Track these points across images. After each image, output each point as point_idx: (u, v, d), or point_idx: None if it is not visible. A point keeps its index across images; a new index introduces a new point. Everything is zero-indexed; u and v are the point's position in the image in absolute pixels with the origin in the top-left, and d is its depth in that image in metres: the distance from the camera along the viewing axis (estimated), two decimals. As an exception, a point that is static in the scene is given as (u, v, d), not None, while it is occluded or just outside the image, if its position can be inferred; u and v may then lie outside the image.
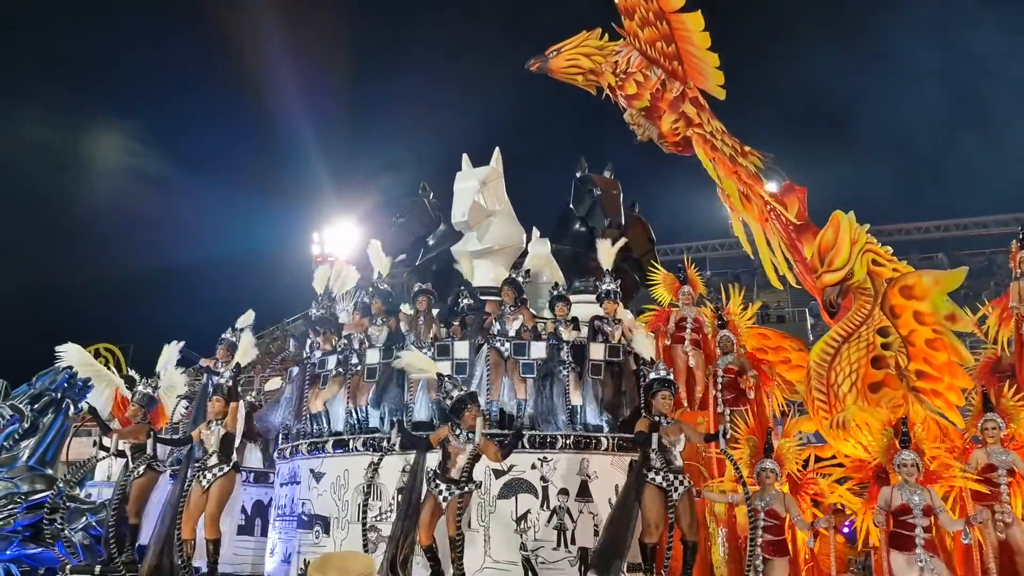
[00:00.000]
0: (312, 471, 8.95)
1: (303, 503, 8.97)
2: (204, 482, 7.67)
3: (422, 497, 7.35)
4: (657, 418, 7.36)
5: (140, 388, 9.14)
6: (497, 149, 11.10)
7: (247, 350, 9.27)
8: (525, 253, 11.22)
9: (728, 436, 7.29)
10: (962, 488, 7.33)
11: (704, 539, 8.17)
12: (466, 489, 7.16)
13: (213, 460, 7.73)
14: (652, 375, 7.63)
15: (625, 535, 7.31)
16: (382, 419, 8.84)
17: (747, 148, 11.07)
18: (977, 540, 7.19)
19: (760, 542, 7.29)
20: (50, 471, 10.82)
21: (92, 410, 9.41)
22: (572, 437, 8.25)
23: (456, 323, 9.04)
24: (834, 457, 8.17)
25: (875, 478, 7.49)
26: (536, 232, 12.26)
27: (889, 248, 8.61)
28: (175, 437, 8.56)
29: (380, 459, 7.79)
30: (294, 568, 8.87)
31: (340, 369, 9.18)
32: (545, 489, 8.08)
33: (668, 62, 11.11)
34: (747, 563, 7.33)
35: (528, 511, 8.00)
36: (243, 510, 10.12)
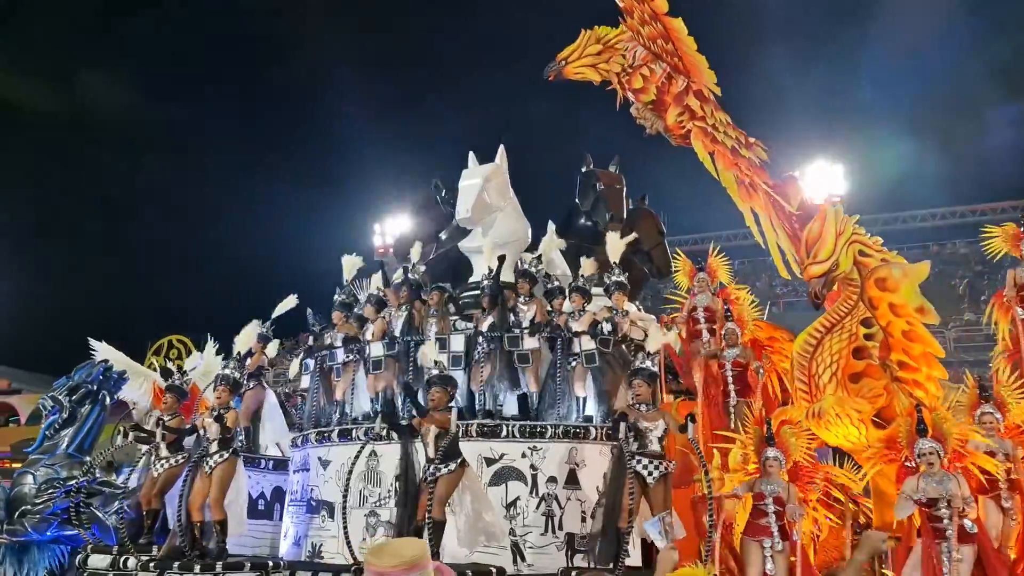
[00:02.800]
0: (320, 459, 9.40)
1: (312, 489, 9.44)
2: (207, 468, 8.13)
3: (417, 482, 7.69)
4: (636, 405, 7.60)
5: (173, 380, 9.61)
6: (501, 147, 11.36)
7: (246, 339, 9.65)
8: (532, 248, 11.45)
9: (695, 424, 7.46)
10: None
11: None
12: (442, 469, 7.34)
13: (214, 447, 8.18)
14: (635, 364, 7.88)
15: (615, 521, 7.55)
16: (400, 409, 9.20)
17: (751, 140, 11.16)
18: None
19: (776, 528, 7.28)
20: (88, 458, 11.47)
21: (136, 427, 9.78)
22: (561, 427, 8.53)
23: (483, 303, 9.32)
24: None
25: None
26: (552, 226, 12.49)
27: (879, 239, 8.64)
28: (183, 427, 9.03)
29: (363, 447, 8.15)
30: (303, 551, 9.35)
31: (351, 358, 9.60)
32: (535, 477, 8.37)
33: (670, 58, 11.29)
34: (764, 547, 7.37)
35: (518, 498, 8.30)
36: (263, 495, 10.68)
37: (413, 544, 2.99)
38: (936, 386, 7.69)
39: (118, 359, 12.76)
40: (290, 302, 11.16)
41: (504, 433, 8.47)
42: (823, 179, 39.09)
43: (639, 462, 7.34)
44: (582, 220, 11.54)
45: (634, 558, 8.04)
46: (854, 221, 8.59)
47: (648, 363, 7.80)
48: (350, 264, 10.53)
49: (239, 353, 9.37)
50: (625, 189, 11.52)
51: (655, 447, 7.45)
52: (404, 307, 9.55)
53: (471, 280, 10.97)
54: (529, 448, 8.42)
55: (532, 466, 8.40)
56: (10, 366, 35.60)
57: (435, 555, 7.10)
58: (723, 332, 9.17)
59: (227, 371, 8.74)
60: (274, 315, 11.22)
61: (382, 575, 2.85)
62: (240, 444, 10.87)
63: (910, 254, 34.14)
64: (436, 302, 9.77)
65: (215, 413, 8.23)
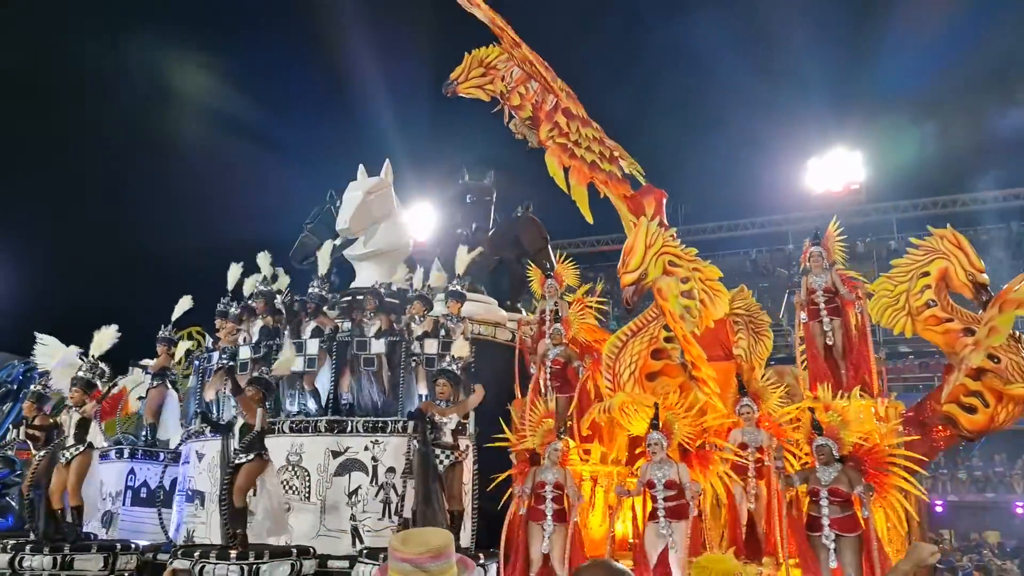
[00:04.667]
0: (197, 452, 10.32)
1: (190, 480, 10.36)
2: (63, 460, 9.06)
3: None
4: (438, 402, 8.50)
5: (32, 388, 10.46)
6: (387, 161, 12.24)
7: (100, 343, 10.52)
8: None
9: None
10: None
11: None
12: (242, 457, 8.26)
13: (71, 441, 9.10)
14: (441, 365, 8.77)
15: (433, 504, 8.43)
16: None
17: (617, 154, 12.00)
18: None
19: (551, 512, 8.29)
20: (10, 452, 12.44)
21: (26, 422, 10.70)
22: (401, 422, 9.40)
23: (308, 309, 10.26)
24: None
25: None
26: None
27: (693, 250, 9.46)
28: (47, 424, 9.94)
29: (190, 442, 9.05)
30: (181, 536, 10.29)
31: (224, 362, 10.52)
32: (375, 468, 9.25)
33: (540, 77, 12.13)
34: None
35: (359, 487, 9.19)
36: (161, 486, 11.61)
37: (439, 534, 3.01)
38: (714, 383, 8.54)
39: (60, 352, 13.62)
40: (185, 303, 12.13)
41: (349, 428, 9.36)
42: (842, 166, 39.14)
43: (432, 452, 8.22)
44: (459, 230, 12.40)
45: (463, 539, 8.93)
46: (669, 234, 9.43)
47: (454, 366, 8.67)
48: (235, 272, 11.42)
49: (94, 356, 10.24)
50: (494, 201, 12.33)
51: (447, 439, 8.35)
52: (261, 317, 10.42)
53: (352, 285, 11.86)
54: (371, 441, 9.30)
55: (374, 458, 9.27)
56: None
57: (238, 537, 7.99)
58: (549, 332, 9.98)
59: (81, 373, 9.65)
60: (173, 318, 12.21)
61: (408, 562, 2.89)
62: (145, 439, 11.95)
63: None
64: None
65: (71, 411, 9.14)
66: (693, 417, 8.36)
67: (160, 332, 12.55)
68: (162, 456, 11.70)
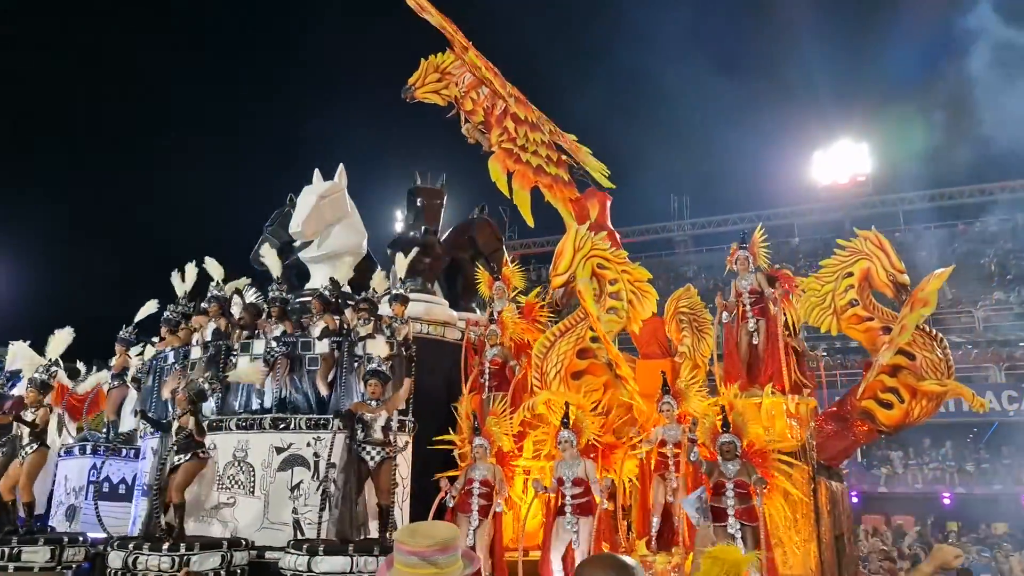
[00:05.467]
0: (152, 449, 10.74)
1: (145, 475, 10.78)
2: (20, 457, 9.48)
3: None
4: (368, 401, 8.88)
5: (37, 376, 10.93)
6: (341, 166, 12.60)
7: (57, 344, 10.88)
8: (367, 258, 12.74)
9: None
10: (645, 459, 8.66)
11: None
12: (186, 456, 8.70)
13: (26, 439, 9.51)
14: (371, 366, 9.16)
15: (348, 502, 8.83)
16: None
17: (564, 158, 12.36)
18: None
19: (476, 507, 8.70)
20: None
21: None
22: (341, 420, 9.79)
23: (267, 314, 10.64)
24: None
25: None
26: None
27: (624, 253, 9.83)
28: (6, 422, 10.36)
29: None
30: (137, 529, 10.71)
31: (177, 363, 10.94)
32: (317, 463, 9.64)
33: (489, 83, 12.49)
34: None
35: (301, 481, 9.59)
36: (123, 481, 12.06)
37: (445, 527, 3.04)
38: (635, 382, 8.92)
39: (30, 359, 14.02)
40: (151, 306, 12.54)
41: (293, 425, 9.76)
42: (848, 158, 38.57)
43: (363, 448, 8.62)
44: (411, 233, 12.77)
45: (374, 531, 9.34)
46: (599, 238, 9.79)
47: (383, 367, 9.06)
48: (186, 278, 11.83)
49: (51, 359, 10.64)
50: (443, 204, 12.69)
51: (378, 435, 8.74)
52: (213, 319, 10.82)
53: (306, 287, 12.25)
54: (313, 438, 9.69)
55: (315, 454, 9.66)
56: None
57: (179, 531, 8.40)
58: (486, 333, 10.35)
59: (37, 375, 10.05)
60: (136, 319, 12.63)
61: (415, 555, 2.93)
62: (106, 436, 12.38)
63: (938, 232, 34.34)
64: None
65: (27, 411, 9.55)
66: (618, 413, 8.74)
67: (120, 333, 12.99)
68: (124, 452, 12.14)
